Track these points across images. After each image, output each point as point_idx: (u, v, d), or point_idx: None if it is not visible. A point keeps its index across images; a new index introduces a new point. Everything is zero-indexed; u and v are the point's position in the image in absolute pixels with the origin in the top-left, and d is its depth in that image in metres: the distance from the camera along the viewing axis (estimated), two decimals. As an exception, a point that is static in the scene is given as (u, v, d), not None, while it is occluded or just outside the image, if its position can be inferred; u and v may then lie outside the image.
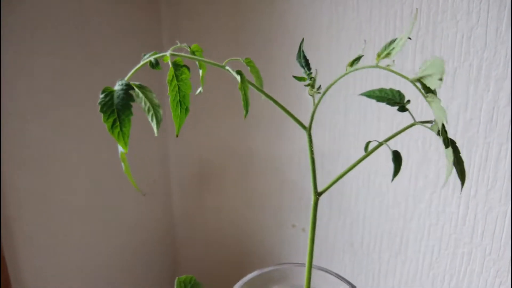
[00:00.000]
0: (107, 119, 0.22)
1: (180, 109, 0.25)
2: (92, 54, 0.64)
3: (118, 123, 0.22)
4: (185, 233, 0.85)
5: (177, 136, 0.25)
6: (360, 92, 0.29)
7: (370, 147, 0.29)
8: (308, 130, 0.29)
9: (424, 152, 0.54)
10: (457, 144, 0.53)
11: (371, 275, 0.62)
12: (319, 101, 0.28)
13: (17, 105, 0.57)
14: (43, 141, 0.61)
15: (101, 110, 0.22)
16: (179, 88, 0.24)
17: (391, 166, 0.58)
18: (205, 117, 0.74)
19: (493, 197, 0.50)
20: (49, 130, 0.61)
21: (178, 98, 0.24)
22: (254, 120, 0.67)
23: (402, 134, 0.56)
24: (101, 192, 0.71)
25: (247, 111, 0.24)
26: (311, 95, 0.29)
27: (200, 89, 0.29)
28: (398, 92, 0.28)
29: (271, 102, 0.28)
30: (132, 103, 0.22)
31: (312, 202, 0.30)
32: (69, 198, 0.66)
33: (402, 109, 0.27)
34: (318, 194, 0.29)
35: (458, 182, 0.54)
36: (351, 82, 0.57)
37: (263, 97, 0.28)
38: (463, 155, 0.52)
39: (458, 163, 0.25)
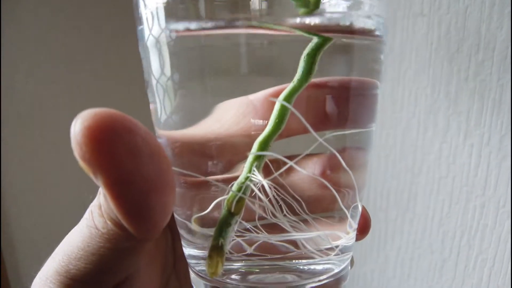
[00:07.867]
0: None
1: None
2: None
3: None
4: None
5: None
6: None
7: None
8: None
9: (432, 99, 0.51)
10: (469, 88, 0.50)
11: (377, 235, 0.59)
12: None
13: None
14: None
15: None
16: None
17: (397, 116, 0.55)
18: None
19: (507, 144, 0.47)
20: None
21: None
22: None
23: (409, 80, 0.53)
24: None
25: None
26: None
27: None
28: None
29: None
30: None
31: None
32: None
33: None
34: None
35: (469, 128, 0.51)
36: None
37: None
38: (475, 99, 0.49)
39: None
